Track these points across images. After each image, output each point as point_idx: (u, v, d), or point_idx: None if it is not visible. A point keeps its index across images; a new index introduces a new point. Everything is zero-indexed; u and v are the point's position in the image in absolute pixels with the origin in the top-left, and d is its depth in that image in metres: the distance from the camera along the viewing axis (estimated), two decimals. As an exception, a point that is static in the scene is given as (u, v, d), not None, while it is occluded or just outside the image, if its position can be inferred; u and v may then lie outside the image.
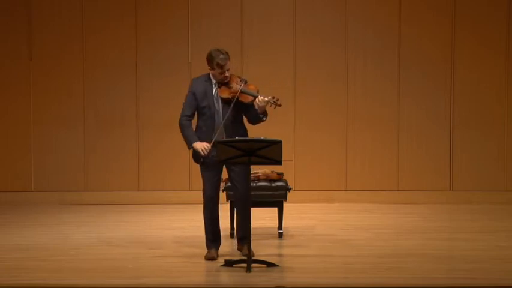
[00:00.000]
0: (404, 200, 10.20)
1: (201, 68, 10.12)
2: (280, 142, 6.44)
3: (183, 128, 6.92)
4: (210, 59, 6.86)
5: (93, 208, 9.92)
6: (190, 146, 6.89)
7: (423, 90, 10.23)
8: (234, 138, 6.67)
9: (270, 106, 6.77)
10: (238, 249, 7.11)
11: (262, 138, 6.60)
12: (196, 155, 6.92)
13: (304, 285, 6.18)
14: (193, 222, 8.67)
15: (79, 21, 10.23)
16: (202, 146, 6.80)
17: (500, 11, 10.14)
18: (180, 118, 6.94)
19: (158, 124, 10.25)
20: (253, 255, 6.86)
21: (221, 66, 6.80)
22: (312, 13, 10.22)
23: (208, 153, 6.79)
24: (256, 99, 6.76)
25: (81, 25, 10.23)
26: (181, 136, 6.96)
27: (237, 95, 6.79)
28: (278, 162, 6.49)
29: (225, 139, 6.65)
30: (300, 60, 10.24)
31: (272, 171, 7.96)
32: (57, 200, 10.22)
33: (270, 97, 6.76)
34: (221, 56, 6.80)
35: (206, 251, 7.00)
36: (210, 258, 6.91)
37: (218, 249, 7.02)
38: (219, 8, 10.25)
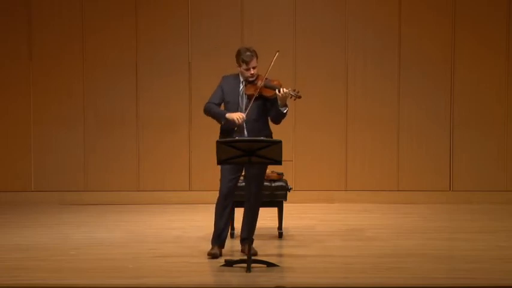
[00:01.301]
0: (404, 200, 10.20)
1: (201, 68, 10.18)
2: (280, 142, 6.44)
3: (210, 108, 7.04)
4: (237, 56, 7.07)
5: (93, 208, 9.92)
6: (223, 119, 6.94)
7: (423, 90, 10.23)
8: (234, 138, 6.68)
9: (291, 98, 6.92)
10: (242, 250, 7.09)
11: (262, 138, 6.62)
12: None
13: (304, 285, 6.18)
14: (193, 222, 8.68)
15: (79, 21, 10.23)
16: (236, 115, 6.89)
17: (500, 11, 10.14)
18: (205, 104, 7.06)
19: (158, 124, 10.25)
20: (257, 254, 6.89)
21: (246, 63, 6.98)
22: (312, 13, 10.23)
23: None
24: (279, 92, 6.85)
25: (81, 25, 10.23)
26: (211, 117, 7.03)
27: (259, 89, 6.94)
28: (278, 162, 6.50)
29: (225, 139, 6.64)
30: (300, 60, 10.24)
31: (272, 171, 7.96)
32: (57, 200, 10.22)
33: (290, 89, 6.89)
34: (247, 53, 7.00)
35: (206, 250, 7.01)
36: (211, 254, 6.93)
37: (222, 247, 7.03)
38: (219, 8, 10.25)
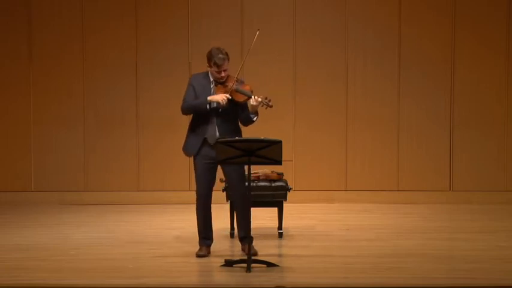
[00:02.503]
0: (404, 200, 10.20)
1: (201, 68, 10.13)
2: (280, 142, 6.44)
3: (188, 103, 6.95)
4: (209, 57, 6.95)
5: (93, 208, 9.92)
6: (205, 102, 6.84)
7: (423, 90, 10.23)
8: (234, 138, 6.68)
9: (262, 106, 6.83)
10: (242, 249, 7.09)
11: (262, 138, 6.62)
12: (189, 148, 6.94)
13: (304, 285, 6.18)
14: (193, 222, 8.65)
15: (79, 21, 10.23)
16: (220, 97, 6.81)
17: (500, 11, 10.14)
18: (182, 104, 7.00)
19: (158, 124, 10.25)
20: (257, 254, 6.90)
21: (218, 66, 6.88)
22: (312, 13, 10.23)
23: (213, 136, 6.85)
24: (251, 99, 6.80)
25: (81, 25, 10.23)
26: (192, 111, 6.96)
27: (230, 93, 6.86)
28: (278, 162, 6.50)
29: (225, 139, 6.64)
30: (300, 60, 10.24)
31: (272, 171, 7.96)
32: (57, 200, 10.22)
33: (262, 97, 6.81)
34: (220, 55, 6.88)
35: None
36: (200, 255, 6.99)
37: (210, 246, 7.09)
38: (219, 8, 10.25)
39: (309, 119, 10.28)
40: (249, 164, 6.57)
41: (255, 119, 6.93)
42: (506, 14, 10.13)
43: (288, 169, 9.49)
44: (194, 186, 10.08)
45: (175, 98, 10.16)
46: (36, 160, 10.30)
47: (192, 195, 10.05)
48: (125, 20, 10.24)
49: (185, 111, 7.03)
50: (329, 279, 6.26)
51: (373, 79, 10.23)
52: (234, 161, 6.56)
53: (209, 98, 6.86)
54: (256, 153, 6.45)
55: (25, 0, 10.21)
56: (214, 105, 6.85)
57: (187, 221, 8.90)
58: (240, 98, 6.88)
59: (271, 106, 6.83)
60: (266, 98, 6.82)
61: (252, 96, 6.81)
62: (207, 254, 7.04)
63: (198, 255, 7.00)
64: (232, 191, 7.14)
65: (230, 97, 6.83)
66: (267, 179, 7.93)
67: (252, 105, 6.81)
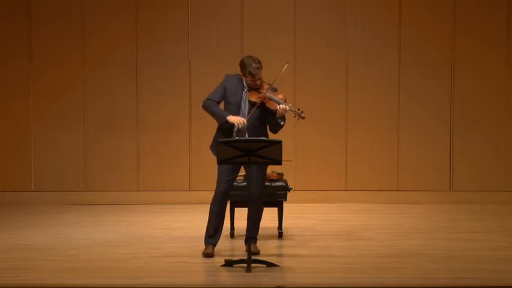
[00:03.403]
0: (404, 200, 10.20)
1: (201, 68, 10.18)
2: (280, 142, 6.44)
3: (210, 105, 6.98)
4: (242, 66, 6.99)
5: (93, 208, 9.92)
6: (224, 120, 6.90)
7: (423, 90, 10.23)
8: (234, 139, 6.68)
9: (294, 117, 6.96)
10: (247, 250, 7.05)
11: (262, 138, 6.63)
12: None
13: (304, 285, 6.18)
14: (193, 222, 8.68)
15: (79, 21, 10.23)
16: (237, 119, 6.86)
17: (500, 11, 10.14)
18: (205, 99, 7.01)
19: (158, 124, 10.25)
20: (259, 253, 6.91)
21: (253, 75, 6.93)
22: (312, 13, 10.22)
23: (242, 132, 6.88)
24: (280, 106, 6.88)
25: (81, 25, 10.23)
26: (209, 113, 7.01)
27: (264, 100, 6.93)
28: (278, 162, 6.50)
29: (225, 139, 6.63)
30: (300, 60, 10.24)
31: (272, 171, 7.96)
32: (57, 200, 10.22)
33: (293, 107, 6.93)
34: (253, 65, 6.93)
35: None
36: (207, 254, 6.95)
37: (215, 246, 7.05)
38: (219, 8, 10.25)
39: (309, 119, 10.22)
40: (249, 164, 6.57)
41: (282, 123, 6.99)
42: (506, 14, 10.13)
43: (288, 169, 9.49)
44: (194, 187, 10.19)
45: (175, 98, 10.22)
46: (36, 160, 10.30)
47: (192, 196, 10.14)
48: (125, 20, 10.24)
49: (205, 108, 7.05)
50: (329, 279, 6.27)
51: (373, 79, 10.23)
52: (234, 161, 6.56)
53: (228, 117, 6.88)
54: (256, 153, 6.45)
55: (25, 0, 10.21)
56: (230, 125, 6.89)
57: (187, 221, 8.92)
58: (272, 106, 6.96)
59: (303, 118, 6.96)
60: (299, 109, 6.92)
61: (283, 103, 6.88)
62: (213, 253, 6.99)
63: (206, 255, 6.95)
64: (250, 193, 7.04)
65: (246, 123, 6.87)
66: (267, 179, 7.93)
67: (280, 112, 6.88)
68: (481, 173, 10.23)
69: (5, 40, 10.24)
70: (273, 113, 6.97)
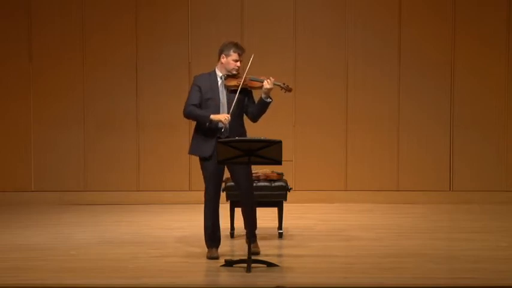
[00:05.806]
0: (404, 200, 10.20)
1: (201, 68, 10.12)
2: (280, 142, 6.44)
3: (191, 111, 6.89)
4: (223, 48, 6.90)
5: (93, 208, 9.92)
6: (207, 119, 6.80)
7: (423, 90, 10.23)
8: (234, 138, 6.67)
9: (281, 90, 6.88)
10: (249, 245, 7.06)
11: (262, 138, 6.62)
12: (203, 150, 6.89)
13: (304, 285, 6.18)
14: (193, 222, 8.67)
15: (79, 21, 10.22)
16: (222, 117, 6.78)
17: (500, 11, 10.14)
18: (185, 107, 6.92)
19: (158, 124, 10.25)
20: (259, 253, 6.93)
21: (239, 54, 6.86)
22: (312, 13, 10.23)
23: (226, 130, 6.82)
24: (265, 82, 6.77)
25: (81, 25, 10.23)
26: (193, 119, 6.96)
27: (244, 80, 6.82)
28: (278, 162, 6.50)
29: (225, 139, 6.63)
30: (300, 60, 10.24)
31: (272, 171, 7.96)
32: (57, 200, 10.22)
33: (279, 82, 6.85)
34: (237, 43, 6.93)
35: (206, 250, 7.00)
36: (212, 257, 6.91)
37: (218, 248, 7.03)
38: (219, 7, 10.25)
39: (309, 119, 10.28)
40: (249, 164, 6.57)
41: (268, 100, 6.85)
42: (506, 14, 10.13)
43: (288, 169, 9.48)
44: (194, 187, 10.17)
45: (175, 98, 10.19)
46: (36, 160, 10.30)
47: (192, 196, 10.12)
48: (125, 20, 10.24)
49: (187, 115, 6.97)
50: (329, 279, 6.27)
51: (373, 79, 10.23)
52: (234, 161, 6.55)
53: (212, 116, 6.79)
54: (256, 153, 6.45)
55: (25, 0, 10.21)
56: (216, 124, 6.82)
57: (187, 221, 8.92)
58: (255, 84, 6.86)
59: (290, 90, 6.89)
60: (284, 83, 6.87)
61: (268, 78, 6.79)
62: (218, 255, 6.94)
63: (211, 258, 6.90)
64: (240, 190, 7.02)
65: (230, 118, 6.75)
66: (267, 179, 7.93)
67: (267, 87, 6.77)
68: (481, 173, 10.23)
69: (5, 40, 10.25)
70: (251, 97, 6.91)
